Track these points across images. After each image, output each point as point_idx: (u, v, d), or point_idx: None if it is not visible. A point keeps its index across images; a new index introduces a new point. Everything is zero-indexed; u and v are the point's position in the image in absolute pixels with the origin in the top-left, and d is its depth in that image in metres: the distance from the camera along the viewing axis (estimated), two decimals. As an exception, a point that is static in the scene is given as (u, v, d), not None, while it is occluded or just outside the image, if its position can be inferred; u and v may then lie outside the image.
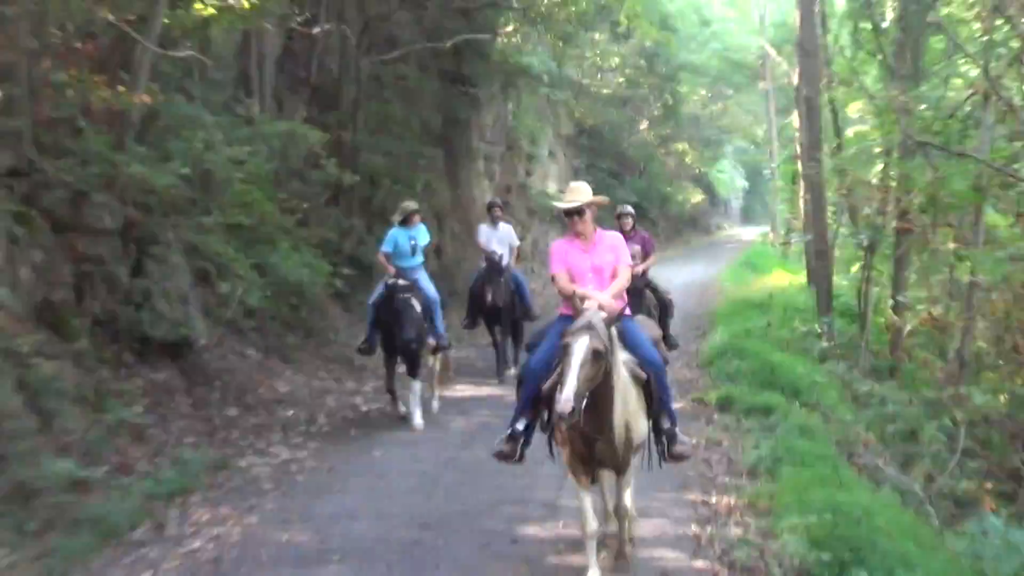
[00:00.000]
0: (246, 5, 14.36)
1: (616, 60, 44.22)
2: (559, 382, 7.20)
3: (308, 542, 9.49)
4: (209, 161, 14.58)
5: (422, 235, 14.75)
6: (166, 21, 13.68)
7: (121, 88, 12.79)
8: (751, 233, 61.04)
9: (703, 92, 55.91)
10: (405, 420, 14.02)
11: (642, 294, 15.57)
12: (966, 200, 18.82)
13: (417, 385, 14.04)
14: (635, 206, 18.74)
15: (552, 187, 37.15)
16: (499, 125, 33.48)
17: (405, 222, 14.64)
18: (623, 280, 8.46)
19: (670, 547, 9.29)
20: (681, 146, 56.60)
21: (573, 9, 26.32)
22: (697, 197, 60.22)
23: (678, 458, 8.77)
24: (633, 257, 10.96)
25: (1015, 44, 17.80)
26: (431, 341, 14.30)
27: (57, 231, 12.44)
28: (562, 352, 7.36)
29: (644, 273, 15.89)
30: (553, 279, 8.68)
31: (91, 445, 10.73)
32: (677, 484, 10.78)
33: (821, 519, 8.99)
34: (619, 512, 8.22)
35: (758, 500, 10.46)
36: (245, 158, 15.54)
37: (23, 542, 8.77)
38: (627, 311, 8.68)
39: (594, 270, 8.39)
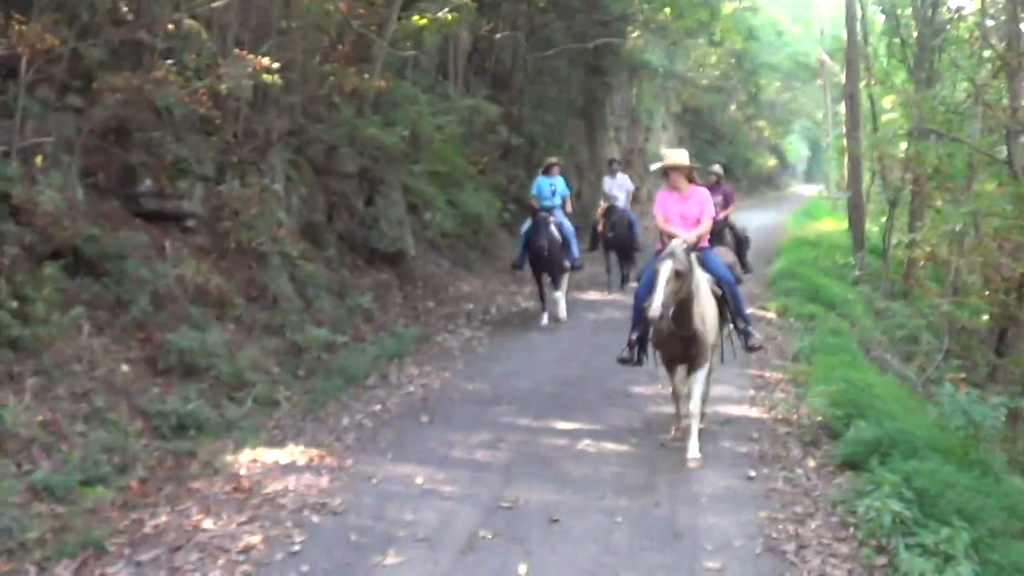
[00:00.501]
0: (449, 19, 14.97)
1: (713, 59, 43.77)
2: (651, 295, 7.40)
3: (485, 391, 10.12)
4: (419, 126, 15.13)
5: (560, 183, 14.65)
6: (395, 29, 14.37)
7: (363, 75, 13.52)
8: (811, 190, 59.52)
9: (777, 84, 54.91)
10: (546, 322, 13.81)
11: (722, 233, 15.69)
12: (960, 172, 18.92)
13: (560, 292, 13.97)
14: (723, 167, 18.90)
15: (663, 150, 37.07)
16: (625, 104, 33.61)
17: (547, 172, 14.71)
18: (705, 227, 8.41)
19: (734, 403, 9.76)
20: (760, 123, 55.94)
21: (682, 23, 26.50)
22: (771, 162, 59.20)
23: (753, 349, 8.98)
24: (715, 206, 11.14)
25: (997, 62, 17.88)
26: (566, 263, 13.91)
27: (316, 173, 13.28)
28: (652, 274, 7.56)
29: (725, 219, 15.98)
30: (653, 218, 8.72)
31: (337, 320, 11.51)
32: (742, 363, 11.07)
33: (839, 389, 9.29)
34: (690, 408, 8.00)
35: (797, 376, 10.81)
36: (443, 124, 16.14)
37: (296, 383, 9.59)
38: (707, 244, 8.72)
39: (682, 217, 8.35)
